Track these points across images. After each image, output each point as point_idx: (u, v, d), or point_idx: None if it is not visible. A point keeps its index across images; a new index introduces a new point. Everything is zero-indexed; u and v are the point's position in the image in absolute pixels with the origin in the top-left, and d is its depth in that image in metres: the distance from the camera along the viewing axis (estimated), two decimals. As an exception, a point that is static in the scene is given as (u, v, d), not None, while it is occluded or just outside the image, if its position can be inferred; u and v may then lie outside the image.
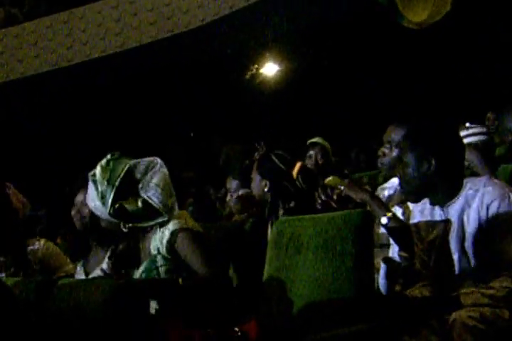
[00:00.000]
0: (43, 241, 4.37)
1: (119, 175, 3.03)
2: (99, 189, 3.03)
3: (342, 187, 3.40)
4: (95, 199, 3.04)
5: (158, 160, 3.12)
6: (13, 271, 3.90)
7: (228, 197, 4.64)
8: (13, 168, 9.19)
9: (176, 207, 3.09)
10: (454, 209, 2.85)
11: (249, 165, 4.78)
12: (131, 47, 10.10)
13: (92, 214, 3.29)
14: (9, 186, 4.38)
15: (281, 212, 3.77)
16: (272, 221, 3.70)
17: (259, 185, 3.87)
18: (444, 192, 2.88)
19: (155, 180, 3.06)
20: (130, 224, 3.03)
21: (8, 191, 4.33)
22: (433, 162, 2.83)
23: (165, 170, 3.09)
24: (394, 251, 3.13)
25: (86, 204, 3.44)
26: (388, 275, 2.97)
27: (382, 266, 2.98)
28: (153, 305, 2.88)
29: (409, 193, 2.96)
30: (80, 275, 3.62)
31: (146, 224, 3.04)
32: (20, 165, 10.24)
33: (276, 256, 3.16)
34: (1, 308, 2.25)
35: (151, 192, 3.03)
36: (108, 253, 3.50)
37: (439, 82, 9.95)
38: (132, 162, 3.08)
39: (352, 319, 2.82)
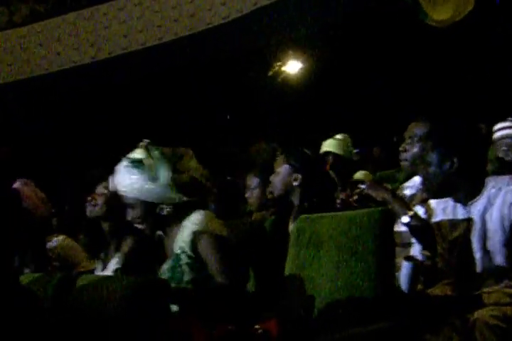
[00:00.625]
0: (62, 238, 4.41)
1: (165, 154, 3.07)
2: (149, 170, 3.05)
3: (363, 186, 3.38)
4: (142, 182, 3.05)
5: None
6: (33, 268, 3.93)
7: (248, 194, 4.63)
8: (30, 165, 9.26)
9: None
10: (476, 208, 2.84)
11: (268, 162, 4.76)
12: (153, 44, 10.12)
13: (109, 202, 3.34)
14: (28, 183, 4.41)
15: (296, 208, 3.74)
16: (293, 218, 3.68)
17: (285, 179, 3.82)
18: (466, 190, 2.87)
19: (192, 163, 3.11)
20: (169, 208, 3.05)
21: (28, 188, 4.36)
22: (455, 161, 2.82)
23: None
24: (415, 250, 3.12)
25: (103, 194, 3.48)
26: (410, 274, 2.96)
27: (404, 265, 2.97)
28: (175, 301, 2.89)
29: (431, 191, 2.95)
30: (98, 269, 3.65)
31: (192, 199, 3.07)
32: (36, 163, 10.29)
33: (297, 254, 3.16)
34: (20, 306, 2.26)
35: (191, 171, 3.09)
36: (117, 258, 3.52)
37: (459, 82, 9.89)
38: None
39: (373, 317, 2.82)
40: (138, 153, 3.10)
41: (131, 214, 3.14)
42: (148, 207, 3.07)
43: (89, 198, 3.65)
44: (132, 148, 3.17)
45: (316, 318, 2.97)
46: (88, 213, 3.66)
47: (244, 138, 10.98)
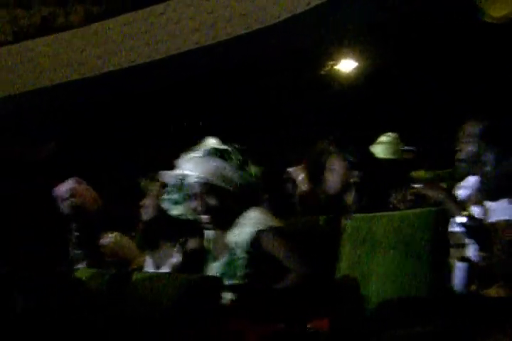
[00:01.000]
0: (115, 235, 4.46)
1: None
2: (234, 159, 3.07)
3: (418, 186, 3.35)
4: (228, 168, 3.06)
5: None
6: (87, 264, 3.98)
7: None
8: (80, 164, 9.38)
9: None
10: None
11: (316, 160, 4.73)
12: (207, 44, 10.17)
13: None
14: (81, 181, 4.49)
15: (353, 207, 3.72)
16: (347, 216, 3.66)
17: (341, 177, 3.80)
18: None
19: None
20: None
21: (80, 186, 4.43)
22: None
23: None
24: (470, 251, 3.09)
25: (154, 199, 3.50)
26: (464, 275, 2.93)
27: (458, 266, 2.94)
28: (228, 297, 2.90)
29: (487, 191, 2.92)
30: (150, 267, 3.67)
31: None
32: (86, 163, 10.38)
33: (349, 253, 3.15)
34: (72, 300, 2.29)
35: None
36: (176, 248, 3.53)
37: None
38: None
39: (425, 318, 2.80)
40: (215, 145, 3.11)
41: (198, 204, 3.12)
42: (225, 197, 3.07)
43: (141, 202, 3.69)
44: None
45: (367, 318, 2.96)
46: (143, 216, 3.70)
47: (295, 137, 10.98)
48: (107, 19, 11.07)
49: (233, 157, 3.05)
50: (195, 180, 3.07)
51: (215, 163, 3.04)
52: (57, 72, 11.03)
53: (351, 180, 3.72)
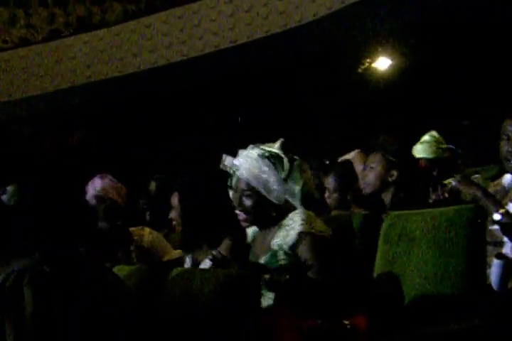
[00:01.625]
0: (147, 231, 4.50)
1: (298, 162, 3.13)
2: (282, 169, 3.06)
3: (453, 182, 3.34)
4: (272, 178, 3.04)
5: None
6: (119, 259, 4.02)
7: (326, 195, 4.60)
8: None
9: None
10: None
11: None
12: (243, 42, 10.19)
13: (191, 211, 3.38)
14: (106, 176, 4.53)
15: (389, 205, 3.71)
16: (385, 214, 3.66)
17: (381, 175, 3.81)
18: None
19: (307, 175, 3.19)
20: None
21: (106, 181, 4.47)
22: None
23: None
24: (508, 248, 3.08)
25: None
26: (501, 272, 2.93)
27: (495, 262, 2.94)
28: (268, 295, 2.92)
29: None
30: (188, 265, 3.69)
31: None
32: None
33: (387, 250, 3.16)
34: (113, 297, 2.31)
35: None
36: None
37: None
38: None
39: (463, 315, 2.80)
40: (275, 149, 3.12)
41: (235, 198, 3.14)
42: (261, 202, 3.07)
43: (172, 215, 3.70)
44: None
45: (404, 314, 2.97)
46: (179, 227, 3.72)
47: (332, 135, 10.97)
48: (144, 17, 11.13)
49: (284, 167, 3.05)
50: (239, 175, 3.11)
51: (265, 168, 3.05)
52: (93, 69, 11.12)
53: (390, 180, 3.73)
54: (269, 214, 3.08)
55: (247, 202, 3.09)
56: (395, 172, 3.73)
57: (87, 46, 11.17)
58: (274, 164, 3.04)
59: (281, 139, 3.14)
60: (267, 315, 2.69)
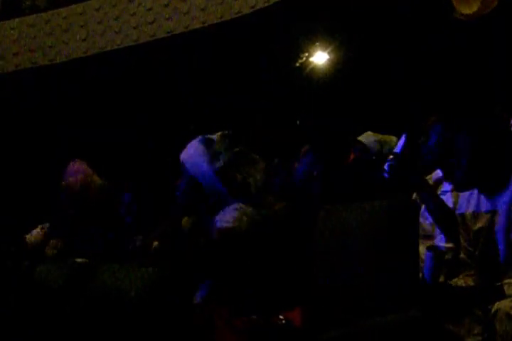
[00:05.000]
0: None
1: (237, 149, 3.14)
2: (213, 151, 3.08)
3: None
4: (200, 159, 3.07)
5: None
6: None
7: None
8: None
9: None
10: (502, 199, 2.84)
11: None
12: (179, 32, 10.13)
13: None
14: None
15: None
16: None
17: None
18: (491, 182, 2.87)
19: (256, 174, 3.16)
20: None
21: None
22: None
23: None
24: (439, 241, 3.13)
25: None
26: (432, 264, 2.97)
27: (427, 255, 2.98)
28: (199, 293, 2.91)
29: (456, 182, 2.96)
30: None
31: None
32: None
33: (322, 244, 3.17)
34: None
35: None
36: None
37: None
38: None
39: (396, 307, 2.83)
40: (215, 136, 3.13)
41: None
42: (192, 186, 3.10)
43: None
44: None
45: (339, 308, 2.99)
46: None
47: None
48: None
49: (211, 149, 3.06)
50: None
51: (196, 150, 3.07)
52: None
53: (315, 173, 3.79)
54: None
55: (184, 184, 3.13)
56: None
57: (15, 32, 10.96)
58: (205, 145, 3.08)
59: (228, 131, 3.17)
60: (200, 311, 2.69)
